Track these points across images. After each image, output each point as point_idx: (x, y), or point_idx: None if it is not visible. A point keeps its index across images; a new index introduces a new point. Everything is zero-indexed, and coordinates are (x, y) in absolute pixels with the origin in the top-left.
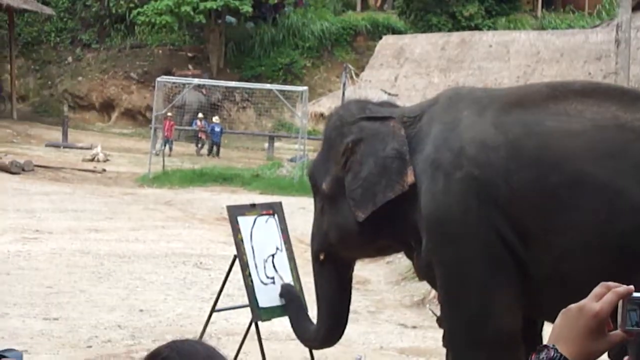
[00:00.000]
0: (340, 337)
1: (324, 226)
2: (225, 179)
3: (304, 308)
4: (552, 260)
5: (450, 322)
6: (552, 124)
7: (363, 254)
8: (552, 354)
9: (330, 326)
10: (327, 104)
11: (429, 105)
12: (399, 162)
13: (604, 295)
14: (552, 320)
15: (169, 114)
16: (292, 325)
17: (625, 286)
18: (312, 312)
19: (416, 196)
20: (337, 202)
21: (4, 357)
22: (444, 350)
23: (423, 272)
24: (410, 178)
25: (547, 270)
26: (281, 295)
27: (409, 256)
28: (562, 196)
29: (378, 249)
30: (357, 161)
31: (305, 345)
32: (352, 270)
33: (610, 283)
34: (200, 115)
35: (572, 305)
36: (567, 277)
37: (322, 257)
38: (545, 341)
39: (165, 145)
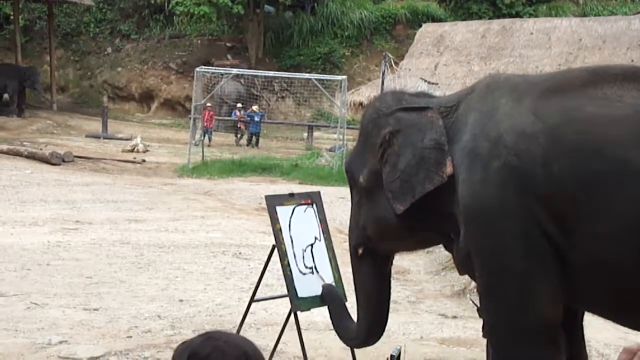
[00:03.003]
0: (381, 333)
1: (361, 220)
2: (264, 169)
3: (345, 308)
4: (592, 249)
5: (490, 312)
6: (592, 110)
7: (402, 247)
8: None
9: (371, 322)
10: (367, 93)
11: (466, 94)
12: (437, 153)
13: None
14: (592, 309)
15: (209, 104)
16: (334, 326)
17: None
18: (351, 299)
19: (454, 187)
20: (374, 195)
21: None
22: (484, 341)
23: (462, 263)
24: (449, 169)
25: (587, 259)
26: (323, 296)
27: (449, 249)
28: (603, 184)
29: (417, 242)
30: (394, 153)
31: (348, 344)
32: (391, 264)
33: (633, 347)
34: (239, 105)
35: None
36: (607, 266)
37: (360, 251)
38: (585, 331)
39: (204, 136)
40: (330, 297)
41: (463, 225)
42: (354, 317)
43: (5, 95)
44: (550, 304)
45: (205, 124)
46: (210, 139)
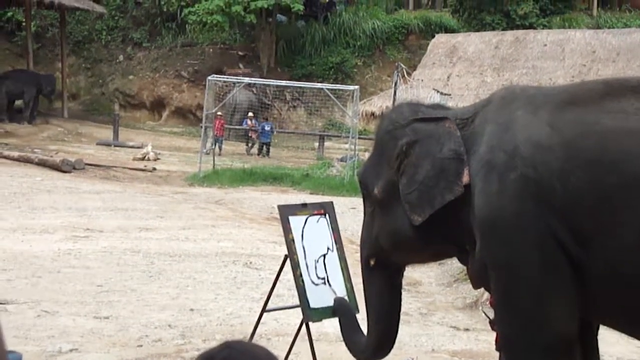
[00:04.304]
0: (391, 346)
1: (374, 231)
2: (275, 178)
3: (356, 321)
4: (608, 263)
5: (505, 325)
6: (609, 123)
7: (416, 259)
8: None
9: (381, 335)
10: (379, 104)
11: (482, 105)
12: (456, 163)
13: None
14: (608, 323)
15: (219, 113)
16: (344, 339)
17: None
18: (363, 311)
19: (471, 198)
20: (389, 207)
21: None
22: (497, 354)
23: (477, 275)
24: (465, 178)
25: (604, 273)
26: (334, 308)
27: (463, 261)
28: (619, 197)
29: (431, 254)
30: (412, 164)
31: (357, 357)
32: (402, 276)
33: None
34: (250, 114)
35: None
36: (624, 279)
37: (372, 262)
38: (600, 345)
39: (215, 144)
40: (342, 310)
41: (479, 237)
42: (365, 330)
43: (18, 102)
44: (566, 317)
45: (217, 132)
46: (221, 148)
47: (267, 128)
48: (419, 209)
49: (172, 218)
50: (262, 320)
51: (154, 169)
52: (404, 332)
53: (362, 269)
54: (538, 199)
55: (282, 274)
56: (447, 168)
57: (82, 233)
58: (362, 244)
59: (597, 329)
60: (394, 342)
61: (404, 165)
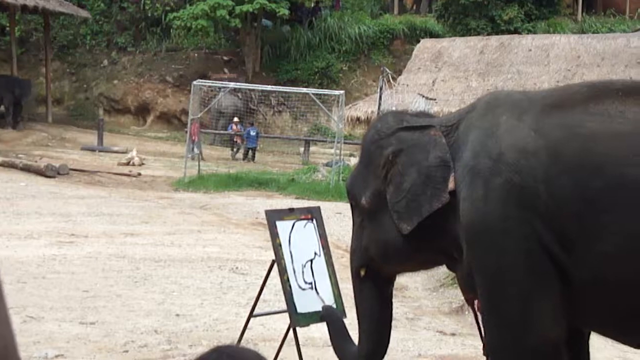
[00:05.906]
0: (383, 355)
1: (364, 241)
2: (260, 183)
3: (346, 329)
4: (595, 267)
5: (492, 330)
6: (593, 126)
7: (405, 268)
8: None
9: (373, 345)
10: (364, 108)
11: (466, 112)
12: (443, 170)
13: None
14: (594, 328)
15: (193, 117)
16: (334, 348)
17: None
18: (350, 316)
19: (456, 204)
20: (378, 217)
21: None
22: (484, 359)
23: (464, 281)
24: (451, 185)
25: (590, 277)
26: (322, 317)
27: (452, 269)
28: (604, 201)
29: (421, 262)
30: (398, 173)
31: None
32: (393, 286)
33: None
34: (235, 119)
35: None
36: (610, 284)
37: (362, 272)
38: (591, 351)
39: (193, 149)
40: (330, 319)
41: (464, 243)
42: (354, 336)
43: (1, 107)
44: (552, 322)
45: (193, 137)
46: (200, 152)
47: (252, 133)
48: (407, 217)
49: (157, 223)
50: (249, 326)
51: (139, 174)
52: (391, 337)
53: (352, 279)
54: (523, 204)
55: (268, 279)
56: (433, 176)
57: (67, 238)
58: (352, 254)
59: (589, 333)
60: (385, 352)
61: (390, 175)
